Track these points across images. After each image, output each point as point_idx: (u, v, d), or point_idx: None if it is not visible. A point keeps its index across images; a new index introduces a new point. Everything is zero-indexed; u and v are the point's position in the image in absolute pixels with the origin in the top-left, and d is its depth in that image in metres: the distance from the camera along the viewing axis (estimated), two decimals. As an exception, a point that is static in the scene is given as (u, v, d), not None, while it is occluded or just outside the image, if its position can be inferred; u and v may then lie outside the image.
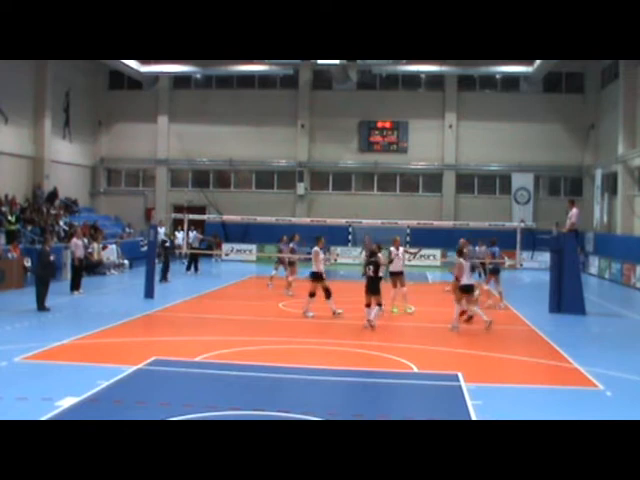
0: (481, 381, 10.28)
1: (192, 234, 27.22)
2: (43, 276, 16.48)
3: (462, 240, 17.98)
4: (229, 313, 17.10)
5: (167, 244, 24.20)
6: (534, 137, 35.28)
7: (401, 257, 17.64)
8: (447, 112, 36.22)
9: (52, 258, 17.05)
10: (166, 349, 12.30)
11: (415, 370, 11.08)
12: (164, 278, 23.36)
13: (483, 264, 19.22)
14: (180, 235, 26.43)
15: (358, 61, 33.56)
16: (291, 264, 21.36)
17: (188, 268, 27.45)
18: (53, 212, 29.32)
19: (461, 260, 15.07)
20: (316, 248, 16.68)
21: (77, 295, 19.39)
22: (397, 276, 17.52)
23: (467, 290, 14.98)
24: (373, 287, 14.89)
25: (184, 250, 25.04)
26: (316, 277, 16.38)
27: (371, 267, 15.00)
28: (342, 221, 25.90)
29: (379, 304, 14.88)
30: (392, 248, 17.64)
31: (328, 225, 25.65)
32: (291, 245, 21.58)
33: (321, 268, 16.35)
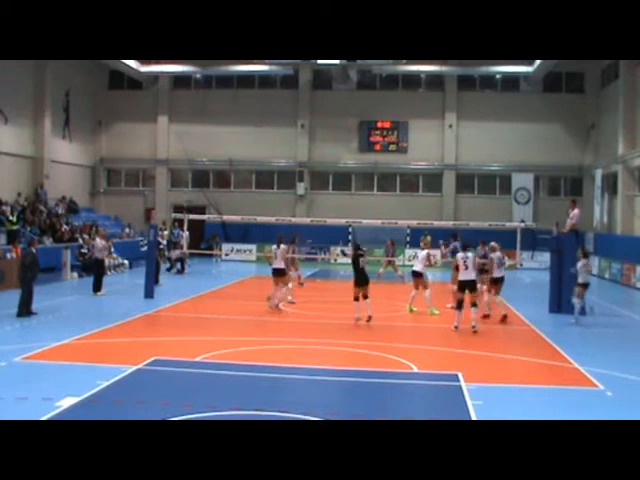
0: (481, 381, 10.28)
1: (176, 232, 27.58)
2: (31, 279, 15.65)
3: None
4: (229, 313, 17.09)
5: (161, 245, 24.10)
6: (534, 137, 35.25)
7: (422, 258, 17.66)
8: (447, 112, 36.20)
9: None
10: (166, 349, 12.30)
11: (415, 370, 11.08)
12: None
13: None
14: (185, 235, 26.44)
15: (358, 61, 33.56)
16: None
17: (169, 269, 27.05)
18: (61, 212, 29.44)
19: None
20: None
21: (100, 295, 19.35)
22: (418, 277, 17.58)
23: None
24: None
25: (185, 250, 25.05)
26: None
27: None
28: (342, 221, 25.92)
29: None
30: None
31: (328, 225, 25.64)
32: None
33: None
